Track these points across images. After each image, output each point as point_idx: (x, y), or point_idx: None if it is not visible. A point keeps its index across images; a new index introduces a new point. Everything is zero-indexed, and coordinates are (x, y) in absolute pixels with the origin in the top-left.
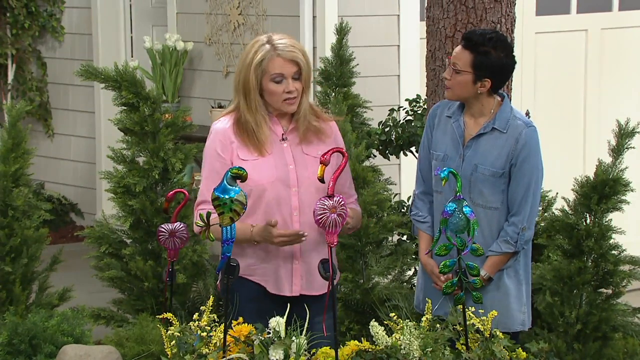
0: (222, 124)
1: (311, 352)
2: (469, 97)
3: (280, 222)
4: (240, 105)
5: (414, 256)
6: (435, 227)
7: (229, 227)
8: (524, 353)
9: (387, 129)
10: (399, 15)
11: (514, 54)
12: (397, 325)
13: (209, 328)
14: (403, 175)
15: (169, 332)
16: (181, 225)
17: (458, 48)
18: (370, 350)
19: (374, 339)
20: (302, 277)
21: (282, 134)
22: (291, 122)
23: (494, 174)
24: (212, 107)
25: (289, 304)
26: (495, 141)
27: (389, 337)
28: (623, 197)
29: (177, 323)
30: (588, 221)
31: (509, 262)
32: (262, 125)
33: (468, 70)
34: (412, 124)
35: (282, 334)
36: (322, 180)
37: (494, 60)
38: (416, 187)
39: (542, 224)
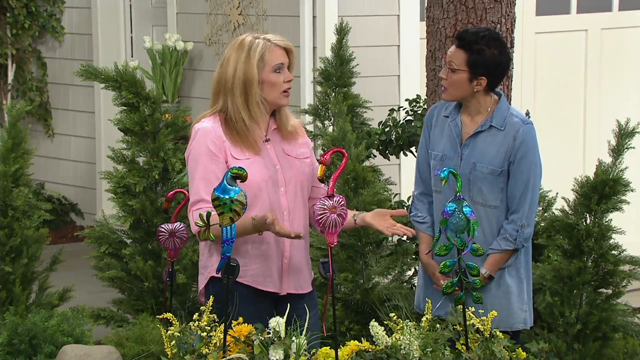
0: (208, 124)
1: (311, 352)
2: (466, 96)
3: None
4: (230, 105)
5: (414, 256)
6: (435, 227)
7: (229, 227)
8: (524, 353)
9: (387, 129)
10: (399, 15)
11: (508, 51)
12: (397, 325)
13: (209, 328)
14: (403, 175)
15: (169, 332)
16: (181, 225)
17: (452, 48)
18: (370, 350)
19: (374, 339)
20: (289, 275)
21: (265, 135)
22: (272, 123)
23: (492, 172)
24: None
25: (289, 305)
26: (493, 139)
27: (389, 337)
28: (623, 197)
29: (177, 323)
30: (588, 221)
31: (510, 260)
32: (259, 120)
33: (464, 69)
34: (412, 124)
35: (282, 334)
36: (322, 180)
37: (488, 58)
38: (415, 188)
39: (542, 224)
